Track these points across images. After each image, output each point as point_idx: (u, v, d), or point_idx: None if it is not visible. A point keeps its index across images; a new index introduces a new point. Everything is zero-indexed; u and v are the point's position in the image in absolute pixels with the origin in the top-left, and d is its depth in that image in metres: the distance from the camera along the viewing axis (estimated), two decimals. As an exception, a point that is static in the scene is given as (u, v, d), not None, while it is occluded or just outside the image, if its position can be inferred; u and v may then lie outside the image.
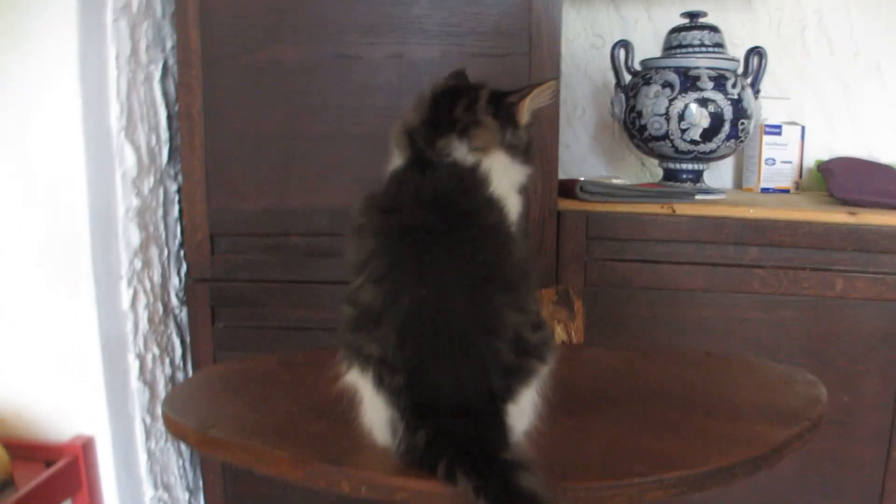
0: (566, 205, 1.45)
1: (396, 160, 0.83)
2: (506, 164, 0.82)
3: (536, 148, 1.37)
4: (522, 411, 0.72)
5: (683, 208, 1.42)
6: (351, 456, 0.71)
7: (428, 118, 0.82)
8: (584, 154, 2.02)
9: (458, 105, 0.82)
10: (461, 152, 0.80)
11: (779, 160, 1.83)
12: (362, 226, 0.77)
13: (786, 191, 1.84)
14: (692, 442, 0.73)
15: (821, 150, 1.92)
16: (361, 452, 0.72)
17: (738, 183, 1.98)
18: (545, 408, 0.73)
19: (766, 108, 1.85)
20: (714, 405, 0.84)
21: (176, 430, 0.82)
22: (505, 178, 0.82)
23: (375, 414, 0.73)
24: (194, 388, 1.02)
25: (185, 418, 0.81)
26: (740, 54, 1.64)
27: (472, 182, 0.78)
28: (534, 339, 0.73)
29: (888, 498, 1.45)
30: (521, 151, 0.84)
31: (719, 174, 1.98)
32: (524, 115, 0.84)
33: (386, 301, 0.71)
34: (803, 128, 1.85)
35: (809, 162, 1.87)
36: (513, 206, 0.82)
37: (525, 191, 1.24)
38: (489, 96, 0.84)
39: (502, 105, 0.83)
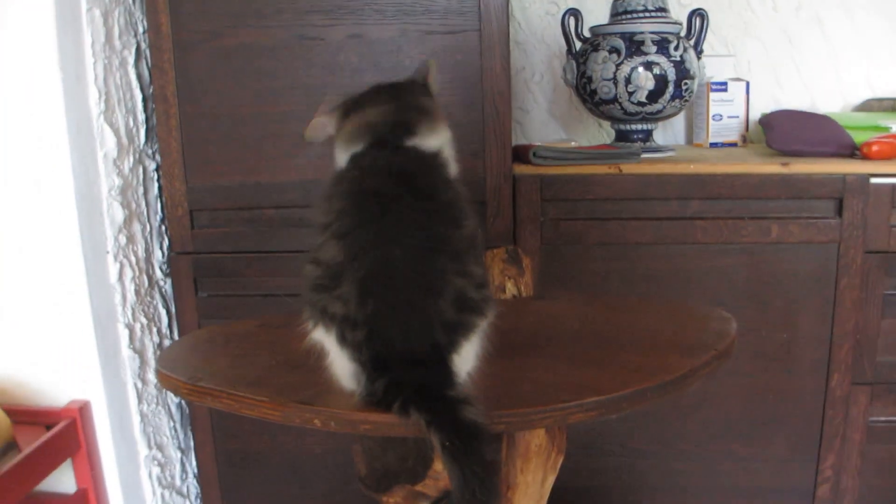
0: (521, 169, 1.52)
1: (348, 149, 0.91)
2: (449, 134, 0.94)
3: (491, 120, 1.47)
4: (466, 358, 0.81)
5: (629, 168, 1.49)
6: (321, 398, 0.80)
7: (395, 111, 0.92)
8: (543, 118, 2.09)
9: (413, 96, 0.93)
10: (437, 134, 0.91)
11: (725, 115, 1.91)
12: (332, 192, 0.86)
13: (733, 144, 1.92)
14: (613, 373, 0.83)
15: (768, 103, 2.00)
16: (330, 395, 0.81)
17: (690, 139, 2.06)
18: (487, 352, 0.83)
19: (715, 66, 1.92)
20: (635, 342, 0.94)
21: (168, 383, 0.91)
22: (450, 148, 0.93)
23: (340, 367, 0.82)
24: (184, 348, 1.10)
25: (176, 373, 0.90)
26: (687, 15, 1.69)
27: (433, 164, 0.89)
28: (476, 296, 0.81)
29: (828, 424, 1.55)
30: None
31: (672, 132, 2.07)
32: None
33: (348, 256, 0.79)
34: (748, 83, 1.92)
35: (756, 115, 1.93)
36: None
37: (481, 159, 1.35)
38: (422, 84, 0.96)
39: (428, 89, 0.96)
